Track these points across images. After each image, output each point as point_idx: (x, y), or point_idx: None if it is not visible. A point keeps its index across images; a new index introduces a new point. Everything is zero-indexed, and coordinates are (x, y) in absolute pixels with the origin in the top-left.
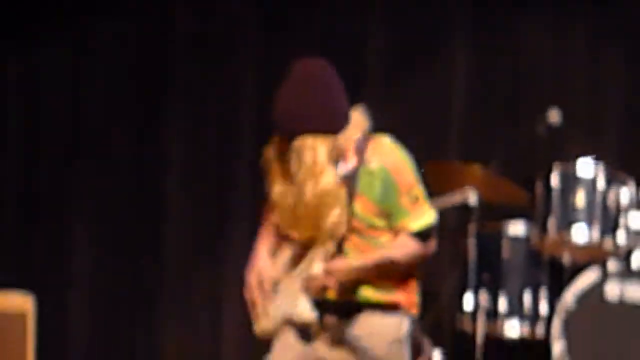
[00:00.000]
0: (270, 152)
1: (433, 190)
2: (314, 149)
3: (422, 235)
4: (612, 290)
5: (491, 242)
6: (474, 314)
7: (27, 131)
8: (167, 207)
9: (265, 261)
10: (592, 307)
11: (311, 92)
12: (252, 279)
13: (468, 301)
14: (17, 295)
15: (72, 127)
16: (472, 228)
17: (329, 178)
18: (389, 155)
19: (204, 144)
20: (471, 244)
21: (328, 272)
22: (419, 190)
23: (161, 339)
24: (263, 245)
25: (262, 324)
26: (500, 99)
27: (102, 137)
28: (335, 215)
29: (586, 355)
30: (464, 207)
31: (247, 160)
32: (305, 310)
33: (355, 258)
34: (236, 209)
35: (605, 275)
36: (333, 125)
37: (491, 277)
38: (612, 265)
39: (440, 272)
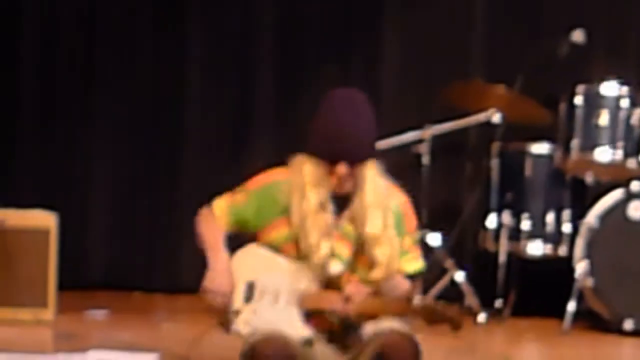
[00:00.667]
0: (306, 171)
1: (457, 110)
2: (375, 180)
3: (411, 277)
4: (636, 209)
5: (514, 161)
6: (496, 233)
7: (44, 44)
8: (188, 115)
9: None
10: (615, 226)
11: (363, 119)
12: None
13: (491, 221)
14: (41, 213)
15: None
16: (495, 147)
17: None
18: (401, 195)
19: (224, 45)
20: (494, 163)
21: (349, 296)
22: (416, 233)
23: (181, 251)
24: (223, 252)
25: (241, 328)
26: (524, 18)
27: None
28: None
29: (609, 274)
30: (488, 127)
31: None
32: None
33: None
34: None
35: (628, 195)
36: (375, 154)
37: (514, 197)
38: (636, 184)
39: (463, 191)
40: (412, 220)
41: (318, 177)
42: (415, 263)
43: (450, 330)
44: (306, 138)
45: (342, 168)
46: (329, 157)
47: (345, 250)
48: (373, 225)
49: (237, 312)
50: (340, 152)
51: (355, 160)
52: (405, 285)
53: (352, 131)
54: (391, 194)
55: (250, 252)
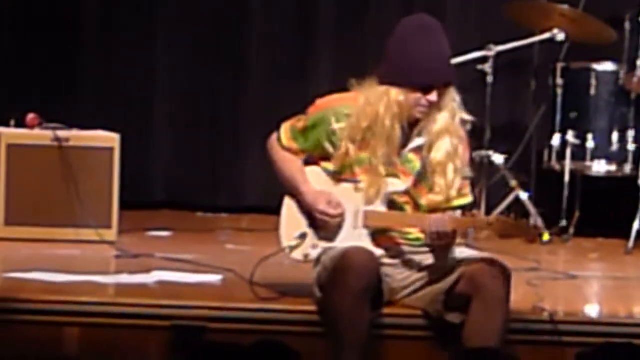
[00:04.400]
0: (393, 100)
1: (521, 29)
2: (453, 107)
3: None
4: None
5: (579, 80)
6: (561, 152)
7: None
8: (250, 29)
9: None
10: None
11: (445, 45)
12: (324, 204)
13: (555, 140)
14: (104, 133)
15: None
16: (559, 66)
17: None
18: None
19: None
20: (559, 82)
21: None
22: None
23: (244, 171)
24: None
25: (310, 251)
26: None
27: None
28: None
29: None
30: (552, 45)
31: None
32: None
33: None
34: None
35: None
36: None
37: (579, 116)
38: None
39: (527, 110)
40: (466, 155)
41: (404, 106)
42: (464, 199)
43: (525, 241)
44: (381, 65)
45: (434, 95)
46: (422, 85)
47: (406, 181)
48: (441, 152)
49: (303, 235)
50: (435, 79)
51: (445, 86)
52: (447, 222)
53: (441, 58)
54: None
55: (314, 176)
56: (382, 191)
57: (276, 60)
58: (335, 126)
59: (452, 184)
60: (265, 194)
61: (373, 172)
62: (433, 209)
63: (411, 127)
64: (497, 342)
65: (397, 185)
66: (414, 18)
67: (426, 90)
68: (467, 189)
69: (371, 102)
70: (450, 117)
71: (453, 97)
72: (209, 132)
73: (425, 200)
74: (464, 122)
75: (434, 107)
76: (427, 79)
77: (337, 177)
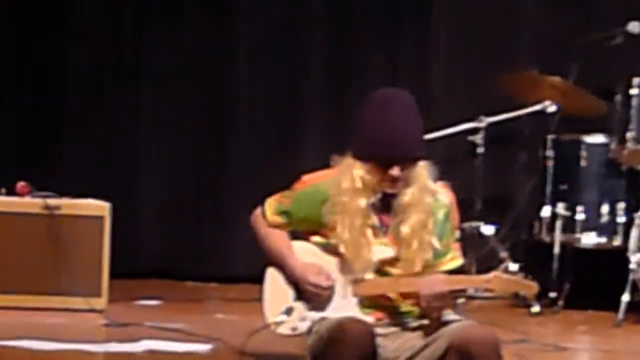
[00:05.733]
0: (356, 176)
1: (511, 101)
2: (422, 181)
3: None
4: None
5: (569, 152)
6: (551, 224)
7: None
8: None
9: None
10: None
11: (412, 119)
12: (314, 275)
13: (545, 211)
14: (94, 202)
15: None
16: (550, 138)
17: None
18: (448, 194)
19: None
20: (549, 154)
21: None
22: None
23: (232, 240)
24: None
25: (298, 324)
26: (578, 7)
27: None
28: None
29: None
30: (543, 117)
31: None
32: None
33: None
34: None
35: None
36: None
37: (569, 188)
38: None
39: (517, 182)
40: (455, 219)
41: (369, 181)
42: (455, 261)
43: (526, 296)
44: (350, 139)
45: (396, 170)
46: (382, 161)
47: (394, 248)
48: (407, 227)
49: (290, 310)
50: (395, 155)
51: (409, 161)
52: (442, 283)
53: (405, 132)
54: (438, 192)
55: (300, 250)
56: (369, 259)
57: (263, 130)
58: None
59: (414, 260)
60: (253, 263)
61: (358, 240)
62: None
63: (388, 200)
64: None
65: (385, 252)
66: (380, 91)
67: (388, 166)
68: (458, 252)
69: (343, 176)
70: (418, 192)
71: (423, 171)
72: (196, 203)
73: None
74: (448, 189)
75: (404, 181)
76: (386, 154)
77: (330, 249)
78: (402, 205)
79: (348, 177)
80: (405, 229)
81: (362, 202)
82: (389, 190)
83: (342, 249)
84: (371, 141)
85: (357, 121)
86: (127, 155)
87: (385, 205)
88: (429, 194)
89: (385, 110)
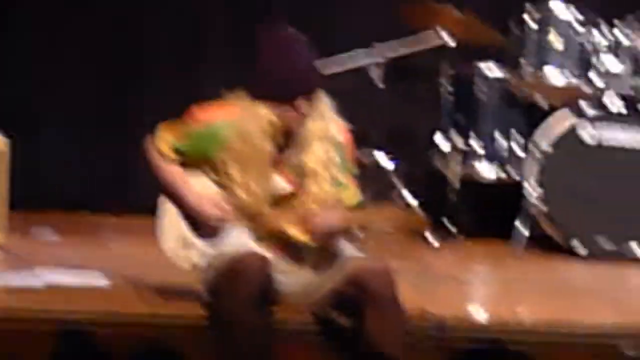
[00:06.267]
0: (262, 114)
1: (408, 30)
2: (323, 112)
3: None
4: (588, 132)
5: (465, 83)
6: (448, 156)
7: None
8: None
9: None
10: (567, 149)
11: (309, 54)
12: (210, 207)
13: (442, 143)
14: None
15: None
16: (446, 69)
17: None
18: (344, 128)
19: None
20: (445, 85)
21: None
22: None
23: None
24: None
25: (195, 259)
26: None
27: None
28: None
29: (561, 197)
30: (439, 48)
31: None
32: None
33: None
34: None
35: (580, 117)
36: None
37: (466, 119)
38: (587, 107)
39: (414, 114)
40: (352, 153)
41: (275, 121)
42: (354, 197)
43: (417, 230)
44: (252, 82)
45: (301, 104)
46: (288, 96)
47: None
48: (314, 158)
49: (187, 244)
50: (299, 88)
51: (312, 93)
52: (339, 218)
53: (306, 68)
54: (336, 126)
55: (197, 182)
56: (267, 190)
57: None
58: (224, 139)
59: (328, 193)
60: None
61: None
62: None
63: (287, 138)
64: (399, 347)
65: (284, 186)
66: (269, 32)
67: (291, 101)
68: (356, 187)
69: (243, 121)
70: (321, 124)
71: (322, 102)
72: (95, 134)
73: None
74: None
75: (309, 111)
76: (290, 90)
77: (226, 184)
78: (304, 137)
79: (252, 120)
80: (311, 162)
81: (268, 145)
82: (295, 127)
83: (239, 191)
84: (273, 77)
85: (257, 65)
86: (25, 87)
87: (288, 141)
88: (332, 123)
89: (282, 47)
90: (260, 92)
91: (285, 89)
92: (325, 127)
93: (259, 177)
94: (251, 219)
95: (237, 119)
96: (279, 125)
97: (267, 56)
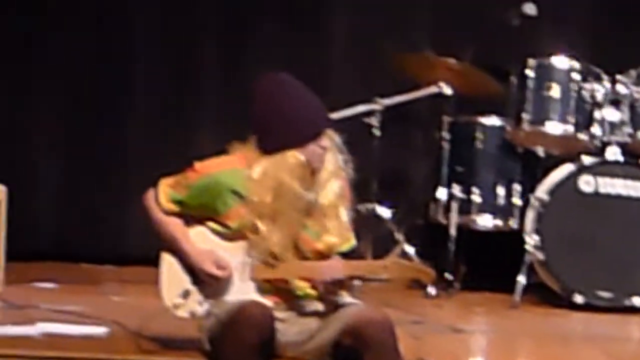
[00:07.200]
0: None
1: (408, 82)
2: (335, 150)
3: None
4: (587, 182)
5: (465, 134)
6: (447, 206)
7: None
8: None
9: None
10: (566, 199)
11: (308, 90)
12: (210, 265)
13: (441, 193)
14: None
15: None
16: (446, 120)
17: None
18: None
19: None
20: (445, 135)
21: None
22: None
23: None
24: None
25: (195, 308)
26: None
27: None
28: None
29: (559, 247)
30: (439, 99)
31: None
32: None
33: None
34: None
35: (579, 168)
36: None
37: (465, 169)
38: (587, 158)
39: (413, 163)
40: (348, 198)
41: (306, 164)
42: (349, 243)
43: (423, 281)
44: (261, 135)
45: (325, 140)
46: (312, 134)
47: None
48: (330, 194)
49: (187, 293)
50: (321, 123)
51: (329, 127)
52: (341, 269)
53: (314, 102)
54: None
55: (197, 235)
56: (293, 237)
57: (159, 107)
58: (236, 188)
59: (347, 225)
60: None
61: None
62: (320, 257)
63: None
64: None
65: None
66: (269, 79)
67: (316, 138)
68: (351, 233)
69: (269, 174)
70: (334, 159)
71: (333, 139)
72: (93, 184)
73: (313, 249)
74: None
75: (327, 149)
76: (315, 126)
77: (228, 235)
78: (323, 175)
79: (286, 169)
80: (330, 197)
81: (302, 189)
82: (319, 166)
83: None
84: (297, 122)
85: (264, 114)
86: (22, 137)
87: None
88: (341, 160)
89: (289, 89)
90: (284, 140)
91: (309, 127)
92: (338, 163)
93: (289, 226)
94: (253, 266)
95: (259, 176)
96: (310, 167)
97: (278, 101)
